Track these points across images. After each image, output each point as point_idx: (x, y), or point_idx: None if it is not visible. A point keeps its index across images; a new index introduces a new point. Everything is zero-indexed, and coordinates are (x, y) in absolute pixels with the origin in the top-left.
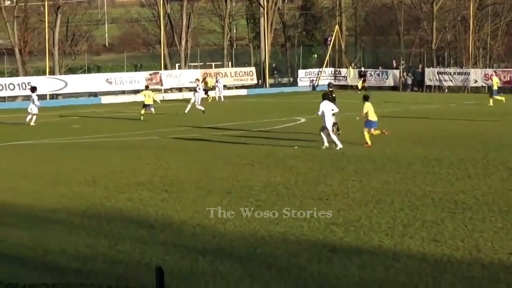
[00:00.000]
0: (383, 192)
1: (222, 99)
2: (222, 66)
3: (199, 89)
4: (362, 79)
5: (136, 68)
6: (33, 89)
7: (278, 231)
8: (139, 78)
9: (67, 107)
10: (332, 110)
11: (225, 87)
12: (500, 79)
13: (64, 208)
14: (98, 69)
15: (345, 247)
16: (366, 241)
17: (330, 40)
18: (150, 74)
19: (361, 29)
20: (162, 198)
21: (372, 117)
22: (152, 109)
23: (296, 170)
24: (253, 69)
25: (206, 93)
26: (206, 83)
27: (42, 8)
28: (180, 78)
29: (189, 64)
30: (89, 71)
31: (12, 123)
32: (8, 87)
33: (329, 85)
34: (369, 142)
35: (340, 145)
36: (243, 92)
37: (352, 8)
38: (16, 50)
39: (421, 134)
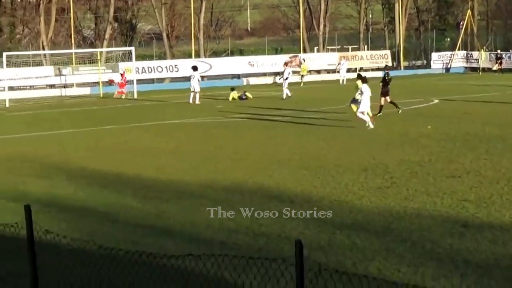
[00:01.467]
0: None
1: (344, 82)
2: (358, 49)
3: (289, 73)
4: (499, 61)
5: (276, 51)
6: (195, 68)
7: (412, 207)
8: (279, 61)
9: (211, 88)
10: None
11: (361, 69)
12: None
13: (209, 183)
14: (241, 53)
15: (477, 223)
16: (497, 217)
17: (463, 24)
18: (290, 57)
19: (492, 13)
20: (301, 175)
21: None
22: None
23: (429, 149)
24: (388, 52)
25: (301, 78)
26: (303, 69)
27: None
28: (318, 61)
29: (327, 47)
30: (232, 54)
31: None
32: (157, 70)
33: (386, 67)
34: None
35: (371, 125)
36: (379, 74)
37: None
38: (164, 35)
39: None
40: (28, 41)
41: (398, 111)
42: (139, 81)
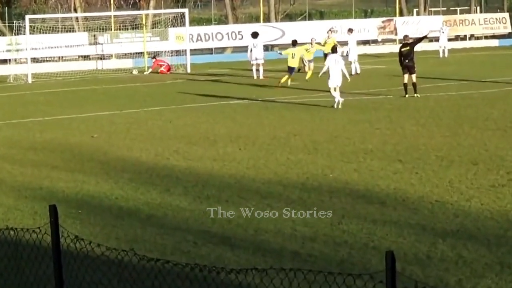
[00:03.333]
0: None
1: (445, 54)
2: (468, 11)
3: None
4: None
5: (365, 14)
6: (255, 34)
7: None
8: (369, 26)
9: (284, 60)
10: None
11: (472, 36)
12: None
13: (279, 179)
14: (321, 16)
15: None
16: None
17: None
18: (383, 22)
19: None
20: (395, 169)
21: (291, 63)
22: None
23: None
24: (506, 15)
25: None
26: (328, 44)
27: None
28: (418, 26)
29: (429, 9)
30: (310, 17)
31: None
32: (216, 37)
33: (405, 38)
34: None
35: (336, 106)
36: (494, 42)
37: None
38: None
39: None
40: (56, 1)
41: (405, 96)
42: (194, 51)
